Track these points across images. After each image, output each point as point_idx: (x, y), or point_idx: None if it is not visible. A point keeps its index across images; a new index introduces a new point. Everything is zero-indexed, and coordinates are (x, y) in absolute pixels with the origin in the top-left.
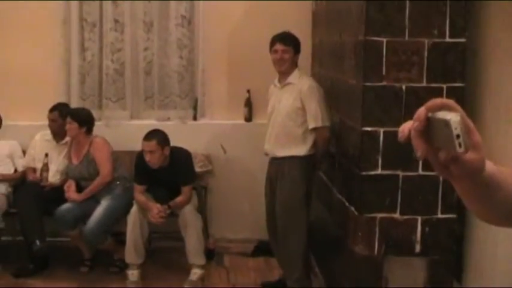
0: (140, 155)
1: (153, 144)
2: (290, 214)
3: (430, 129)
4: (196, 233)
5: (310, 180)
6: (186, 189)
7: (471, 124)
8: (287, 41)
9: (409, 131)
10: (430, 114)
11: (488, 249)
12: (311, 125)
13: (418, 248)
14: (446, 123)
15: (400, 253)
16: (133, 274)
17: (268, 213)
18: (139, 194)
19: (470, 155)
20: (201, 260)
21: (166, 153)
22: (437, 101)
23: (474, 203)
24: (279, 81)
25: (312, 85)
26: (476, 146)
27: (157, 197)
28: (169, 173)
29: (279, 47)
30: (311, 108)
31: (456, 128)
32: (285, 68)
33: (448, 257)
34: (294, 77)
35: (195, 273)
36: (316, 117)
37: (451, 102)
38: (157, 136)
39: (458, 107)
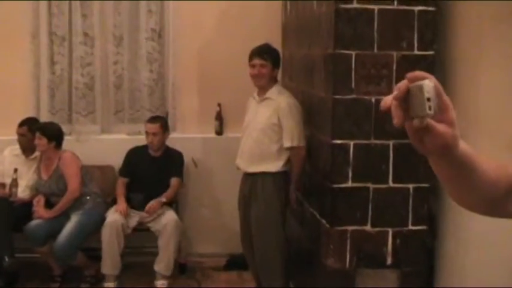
0: (133, 150)
1: (157, 126)
2: (266, 231)
3: (408, 99)
4: (174, 244)
5: (285, 196)
6: (175, 181)
7: (448, 100)
8: (265, 55)
9: (391, 102)
10: (410, 85)
11: (459, 261)
12: (286, 144)
13: (389, 260)
14: (420, 88)
15: (371, 265)
16: None
17: (242, 229)
18: (121, 185)
19: (442, 128)
20: (169, 271)
21: (165, 138)
22: (418, 72)
23: (449, 183)
24: (258, 94)
25: (290, 103)
26: (450, 121)
27: (134, 204)
28: (158, 166)
29: (256, 61)
30: (287, 126)
31: (428, 92)
32: (263, 83)
33: (419, 268)
34: (272, 92)
35: (163, 284)
36: (292, 136)
37: (431, 76)
38: (161, 120)
39: (437, 82)
